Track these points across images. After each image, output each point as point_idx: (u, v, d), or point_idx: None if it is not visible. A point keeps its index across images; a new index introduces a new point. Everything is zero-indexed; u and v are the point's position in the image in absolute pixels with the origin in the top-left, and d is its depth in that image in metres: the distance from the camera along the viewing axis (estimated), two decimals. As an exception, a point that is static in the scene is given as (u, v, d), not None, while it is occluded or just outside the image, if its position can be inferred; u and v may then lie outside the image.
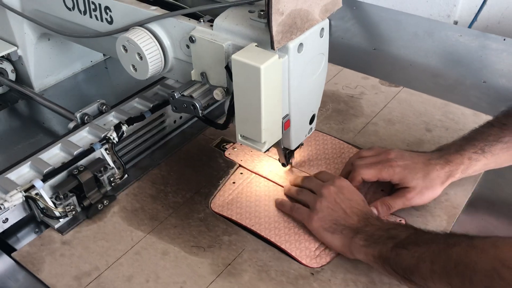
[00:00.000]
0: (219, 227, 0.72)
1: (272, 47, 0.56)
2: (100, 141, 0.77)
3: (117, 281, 0.65)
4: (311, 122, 0.72)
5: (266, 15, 0.55)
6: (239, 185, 0.79)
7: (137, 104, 0.87)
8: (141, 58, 0.69)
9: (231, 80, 0.60)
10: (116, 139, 0.78)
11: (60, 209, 0.71)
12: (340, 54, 1.14)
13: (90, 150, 0.76)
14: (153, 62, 0.69)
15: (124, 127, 0.79)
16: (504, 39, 1.19)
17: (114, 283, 0.65)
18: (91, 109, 0.84)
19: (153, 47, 0.69)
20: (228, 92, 0.65)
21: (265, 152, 0.66)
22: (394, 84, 1.02)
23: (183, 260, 0.67)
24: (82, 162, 0.75)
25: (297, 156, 0.83)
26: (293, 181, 0.77)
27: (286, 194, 0.77)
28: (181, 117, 0.92)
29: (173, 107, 0.67)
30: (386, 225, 0.64)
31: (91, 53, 1.09)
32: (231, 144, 0.87)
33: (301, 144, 0.75)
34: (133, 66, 0.71)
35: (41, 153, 0.76)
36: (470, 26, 1.76)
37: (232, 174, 0.81)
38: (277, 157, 0.80)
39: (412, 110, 0.95)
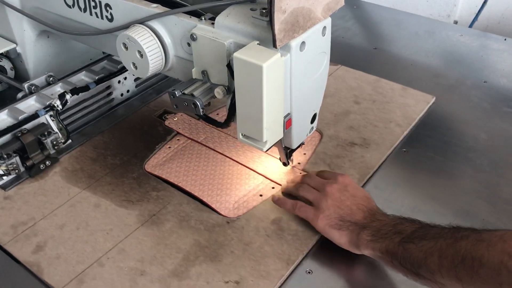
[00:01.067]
0: (149, 184, 0.79)
1: (274, 46, 0.56)
2: (44, 108, 0.84)
3: (50, 228, 0.72)
4: (312, 121, 0.71)
5: (268, 13, 0.55)
6: (174, 149, 0.86)
7: (84, 77, 0.93)
8: (141, 56, 0.68)
9: (233, 78, 0.60)
10: (60, 106, 0.85)
11: (3, 167, 0.78)
12: (340, 53, 1.14)
13: (35, 115, 0.83)
14: (154, 60, 0.69)
15: (68, 96, 0.86)
16: (505, 39, 1.19)
17: (47, 230, 0.71)
18: (39, 80, 0.90)
19: (153, 45, 0.68)
20: (229, 90, 0.64)
21: (266, 151, 0.66)
22: (334, 62, 1.09)
23: (113, 212, 0.74)
24: (27, 126, 0.81)
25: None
26: (291, 180, 0.78)
27: (284, 192, 0.76)
28: (128, 91, 0.98)
29: (174, 105, 0.66)
30: (393, 220, 0.64)
31: (91, 51, 1.05)
32: (173, 114, 0.94)
33: (302, 143, 0.75)
34: (134, 64, 0.70)
35: (-11, 118, 0.82)
36: (470, 26, 1.75)
37: (169, 141, 0.88)
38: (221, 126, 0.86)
39: (345, 85, 1.02)
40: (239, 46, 0.59)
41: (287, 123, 0.65)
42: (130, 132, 0.90)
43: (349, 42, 1.22)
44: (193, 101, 0.64)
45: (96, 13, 0.75)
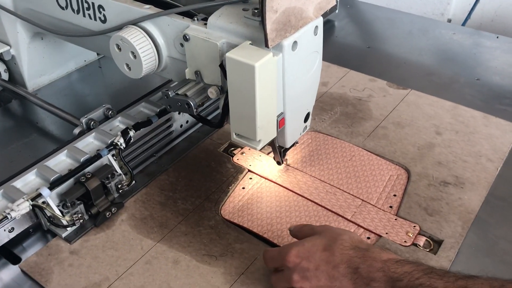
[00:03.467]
0: (230, 234, 0.71)
1: (266, 45, 0.56)
2: (107, 147, 0.75)
3: (128, 292, 0.63)
4: (305, 120, 0.72)
5: (260, 13, 0.55)
6: (248, 190, 0.78)
7: (143, 109, 0.85)
8: (135, 56, 0.69)
9: (226, 78, 0.60)
10: (124, 145, 0.76)
11: (67, 217, 0.69)
12: (334, 52, 1.15)
13: (97, 156, 0.74)
14: (147, 61, 0.69)
15: (131, 133, 0.77)
16: (498, 37, 1.20)
17: (125, 294, 0.63)
18: (97, 114, 0.82)
19: (147, 45, 0.68)
20: (223, 90, 0.65)
21: (260, 150, 0.65)
22: (402, 86, 1.01)
23: (195, 269, 0.66)
24: (89, 169, 0.73)
25: (306, 161, 0.82)
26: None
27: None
28: (187, 122, 0.90)
29: (168, 106, 0.67)
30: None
31: (85, 52, 1.09)
32: (239, 149, 0.86)
33: (296, 143, 0.74)
34: (127, 65, 0.71)
35: (47, 160, 0.74)
36: (463, 24, 1.77)
37: (241, 180, 0.80)
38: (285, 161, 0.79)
39: (421, 113, 0.94)
40: (232, 46, 0.59)
41: (280, 122, 0.65)
42: (197, 170, 0.82)
43: (342, 41, 1.21)
44: (186, 102, 0.65)
45: (89, 15, 0.76)
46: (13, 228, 0.68)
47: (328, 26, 1.28)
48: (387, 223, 0.71)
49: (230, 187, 0.78)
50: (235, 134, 0.64)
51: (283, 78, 0.61)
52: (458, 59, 1.13)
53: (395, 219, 0.72)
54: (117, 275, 0.65)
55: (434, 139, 0.88)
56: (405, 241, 0.68)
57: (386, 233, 0.70)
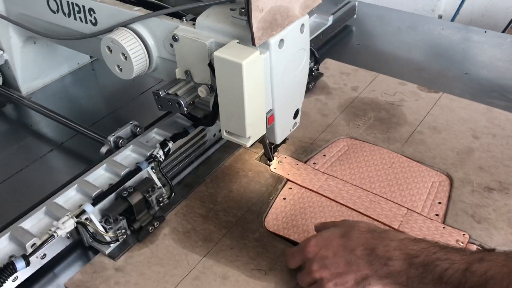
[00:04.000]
0: (277, 247, 0.69)
1: (253, 44, 0.57)
2: (146, 160, 0.74)
3: (180, 309, 0.62)
4: (295, 116, 0.73)
5: (246, 12, 0.56)
6: (290, 200, 0.77)
7: (178, 119, 0.84)
8: (125, 58, 0.70)
9: (214, 77, 0.61)
10: (163, 156, 0.75)
11: (111, 233, 0.68)
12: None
13: (137, 169, 0.73)
14: (138, 62, 0.70)
15: (170, 144, 0.76)
16: (485, 31, 1.21)
17: (176, 311, 0.62)
18: (124, 132, 0.80)
19: (137, 46, 0.70)
20: (212, 89, 0.65)
21: (250, 146, 0.66)
22: (434, 90, 1.00)
23: (245, 285, 0.65)
24: (130, 182, 0.72)
25: (345, 169, 0.81)
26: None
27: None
28: (220, 130, 0.89)
29: (159, 106, 0.68)
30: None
31: (78, 55, 1.10)
32: (275, 157, 0.84)
33: (287, 139, 0.75)
34: (118, 66, 0.72)
35: (87, 174, 0.72)
36: (453, 20, 1.79)
37: (281, 190, 0.79)
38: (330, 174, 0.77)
39: (455, 117, 0.93)
40: (220, 46, 0.60)
41: (270, 119, 0.66)
42: (235, 180, 0.81)
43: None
44: (177, 101, 0.66)
45: (80, 18, 0.77)
46: (45, 255, 0.66)
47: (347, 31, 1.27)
48: (435, 232, 0.70)
49: (271, 198, 0.77)
50: (226, 131, 0.65)
51: (271, 76, 0.62)
52: (447, 54, 1.14)
53: (443, 228, 0.71)
54: (166, 292, 0.64)
55: (472, 144, 0.86)
56: None
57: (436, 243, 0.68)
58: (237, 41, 0.61)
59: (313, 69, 1.01)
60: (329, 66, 1.09)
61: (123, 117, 0.98)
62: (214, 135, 0.88)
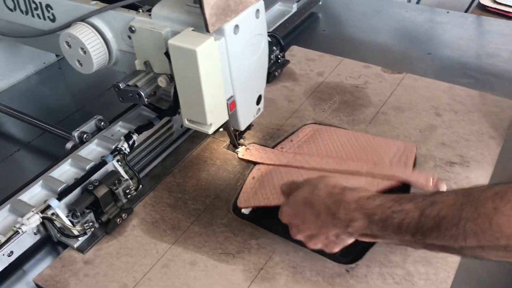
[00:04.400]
0: (245, 231, 0.70)
1: (207, 30, 0.58)
2: (111, 153, 0.74)
3: (149, 297, 0.63)
4: (258, 102, 0.73)
5: None
6: (259, 177, 0.77)
7: (144, 112, 0.84)
8: (84, 52, 0.71)
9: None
10: (128, 149, 0.75)
11: (78, 227, 0.68)
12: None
13: (102, 163, 0.73)
14: (97, 56, 0.71)
15: (135, 136, 0.76)
16: (448, 12, 1.23)
17: (145, 299, 0.62)
18: (89, 126, 0.80)
19: (95, 40, 0.70)
20: (172, 78, 0.65)
21: (211, 134, 0.68)
22: (397, 71, 1.02)
23: (214, 269, 0.65)
24: (96, 176, 0.72)
25: (312, 149, 0.82)
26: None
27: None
28: (187, 121, 0.89)
29: (120, 98, 0.69)
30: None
31: (44, 54, 1.09)
32: (242, 145, 0.85)
33: (252, 125, 0.76)
34: (78, 61, 0.73)
35: (52, 170, 0.72)
36: (418, 2, 1.80)
37: (249, 172, 0.79)
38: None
39: (418, 96, 0.94)
40: (176, 34, 0.60)
41: (231, 105, 0.66)
42: (203, 169, 0.81)
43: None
44: (137, 92, 0.67)
45: (38, 15, 0.77)
46: (12, 252, 0.65)
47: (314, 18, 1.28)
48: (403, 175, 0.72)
49: (238, 184, 0.78)
50: (187, 120, 0.65)
51: (228, 62, 0.63)
52: (410, 36, 1.17)
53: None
54: (135, 281, 0.64)
55: (434, 121, 0.88)
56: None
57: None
58: (192, 28, 0.61)
59: (279, 56, 1.01)
60: (295, 53, 1.10)
61: (91, 113, 0.97)
62: (181, 126, 0.88)
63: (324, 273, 0.64)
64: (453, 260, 0.64)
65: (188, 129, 0.90)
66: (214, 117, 0.65)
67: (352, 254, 0.66)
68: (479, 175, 0.77)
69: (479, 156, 0.80)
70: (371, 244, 0.67)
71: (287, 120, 0.91)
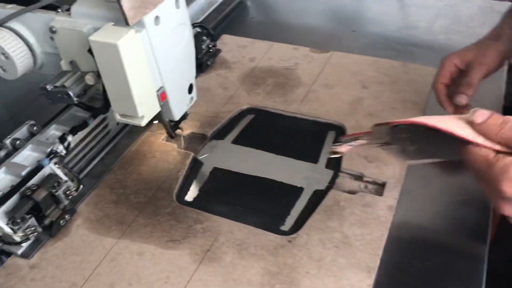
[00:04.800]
0: (189, 217, 0.72)
1: (127, 24, 0.59)
2: (47, 156, 0.74)
3: (99, 291, 0.63)
4: (190, 91, 0.75)
5: None
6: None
7: (77, 112, 0.83)
8: (6, 58, 0.69)
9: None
10: (64, 151, 0.75)
11: (20, 233, 0.68)
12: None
13: (39, 167, 0.72)
14: (20, 60, 0.69)
15: (70, 138, 0.76)
16: None
17: (96, 294, 0.63)
18: (21, 133, 0.78)
19: (16, 44, 0.69)
20: (100, 75, 0.66)
21: (146, 127, 0.69)
22: (325, 50, 1.06)
23: (161, 256, 0.67)
24: (33, 181, 0.71)
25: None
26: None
27: None
28: (124, 118, 0.89)
29: (49, 100, 0.68)
30: None
31: None
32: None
33: (187, 114, 0.77)
34: (1, 67, 0.71)
35: (-15, 180, 0.71)
36: None
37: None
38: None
39: (346, 72, 0.99)
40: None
41: (162, 96, 0.67)
42: (143, 163, 0.82)
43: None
44: (65, 92, 0.67)
45: None
46: None
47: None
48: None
49: (179, 173, 0.79)
50: (119, 114, 0.66)
51: (153, 53, 0.63)
52: (335, 16, 1.23)
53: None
54: (84, 279, 0.65)
55: (362, 93, 0.93)
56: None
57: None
58: (112, 23, 0.61)
59: (210, 46, 1.03)
60: (227, 41, 1.12)
61: (25, 120, 0.96)
62: (118, 123, 0.88)
63: (268, 246, 0.67)
64: (386, 220, 0.69)
65: (125, 126, 0.90)
66: (146, 109, 0.66)
67: (294, 226, 0.69)
68: (404, 139, 0.82)
69: (404, 122, 0.85)
70: (310, 214, 0.70)
71: (223, 107, 0.93)
